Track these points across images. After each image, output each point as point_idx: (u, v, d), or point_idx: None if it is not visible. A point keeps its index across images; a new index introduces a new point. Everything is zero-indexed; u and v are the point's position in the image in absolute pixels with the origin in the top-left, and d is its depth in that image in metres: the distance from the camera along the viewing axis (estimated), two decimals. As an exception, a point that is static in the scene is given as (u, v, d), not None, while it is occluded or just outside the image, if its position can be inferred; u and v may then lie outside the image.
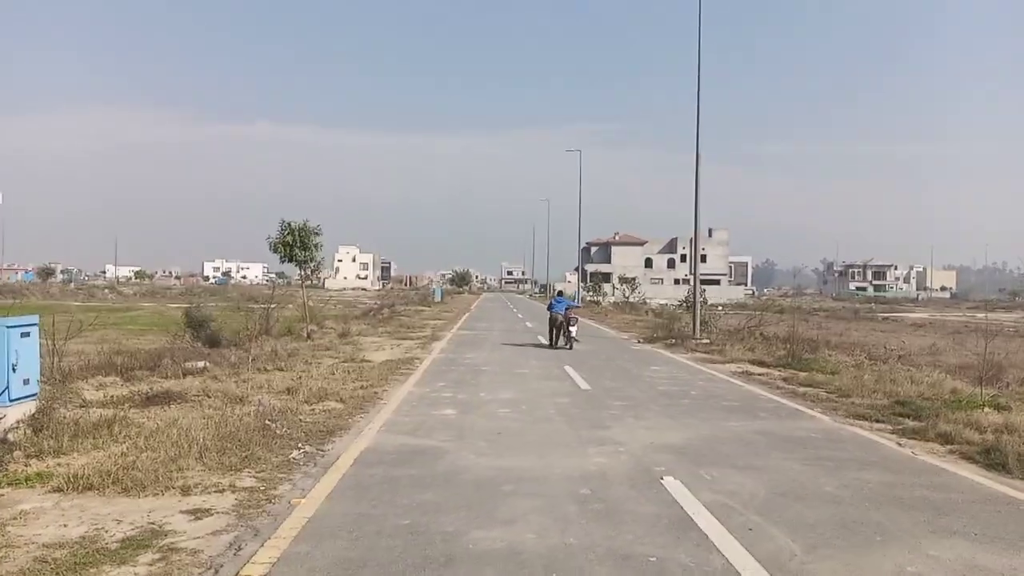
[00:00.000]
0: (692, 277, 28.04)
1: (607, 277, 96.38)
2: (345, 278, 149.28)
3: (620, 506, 6.39)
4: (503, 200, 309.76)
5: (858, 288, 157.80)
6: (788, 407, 12.16)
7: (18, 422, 7.96)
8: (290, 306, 32.78)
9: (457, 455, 8.26)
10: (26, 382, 8.17)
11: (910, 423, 10.71)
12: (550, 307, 22.57)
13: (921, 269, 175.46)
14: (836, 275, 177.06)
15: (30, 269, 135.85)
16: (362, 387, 13.16)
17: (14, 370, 7.90)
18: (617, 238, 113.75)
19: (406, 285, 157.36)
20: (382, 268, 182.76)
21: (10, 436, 7.76)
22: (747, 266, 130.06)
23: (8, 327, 7.92)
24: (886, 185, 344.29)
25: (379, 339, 24.78)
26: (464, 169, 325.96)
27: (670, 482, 7.14)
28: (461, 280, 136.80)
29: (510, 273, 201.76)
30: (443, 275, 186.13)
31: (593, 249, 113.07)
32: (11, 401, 7.87)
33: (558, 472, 7.54)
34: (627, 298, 60.99)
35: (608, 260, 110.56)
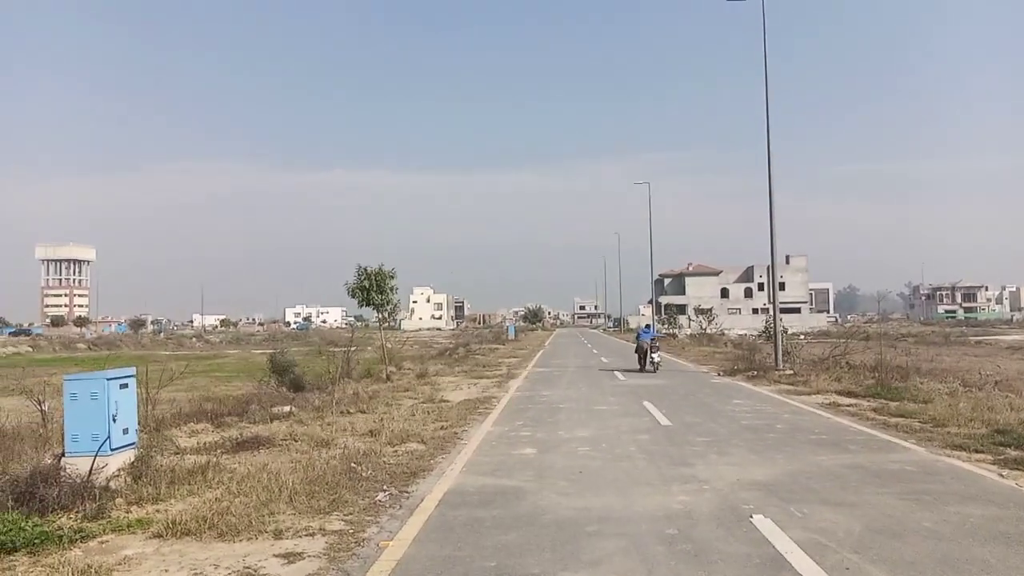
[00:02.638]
0: (772, 306, 27.43)
1: (682, 309, 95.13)
2: (420, 319, 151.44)
3: (709, 546, 6.25)
4: (573, 234, 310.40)
5: (947, 311, 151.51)
6: (880, 439, 11.70)
7: (119, 470, 8.34)
8: (368, 348, 33.53)
9: (539, 495, 8.24)
10: (125, 431, 8.58)
11: (1012, 453, 10.16)
12: (638, 336, 28.15)
13: (1015, 289, 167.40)
14: (923, 298, 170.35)
15: (123, 321, 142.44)
16: (442, 427, 13.29)
17: (114, 420, 8.31)
18: (691, 269, 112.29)
19: (480, 324, 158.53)
20: (456, 308, 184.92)
21: (112, 484, 8.12)
22: (828, 292, 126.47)
23: (108, 380, 8.36)
24: (973, 202, 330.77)
25: (456, 378, 24.99)
26: (533, 205, 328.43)
27: (760, 520, 6.96)
28: (534, 317, 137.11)
29: (582, 308, 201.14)
30: (516, 312, 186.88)
31: (666, 281, 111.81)
32: (112, 450, 8.27)
33: (642, 511, 7.44)
34: (704, 330, 59.98)
35: (682, 291, 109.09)
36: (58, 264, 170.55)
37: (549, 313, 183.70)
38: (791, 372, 22.86)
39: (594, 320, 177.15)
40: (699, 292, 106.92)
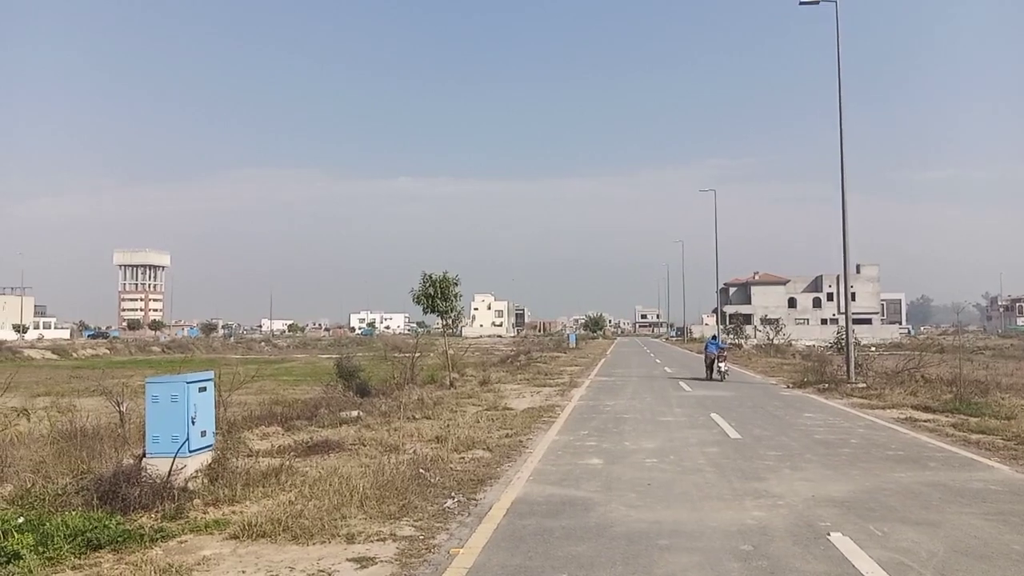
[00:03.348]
0: (844, 316, 26.69)
1: (748, 319, 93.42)
2: (481, 325, 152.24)
3: (786, 563, 6.09)
4: (636, 242, 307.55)
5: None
6: (961, 456, 11.25)
7: (197, 471, 8.59)
8: (431, 354, 33.80)
9: (607, 506, 8.17)
10: (203, 434, 8.83)
11: (1108, 475, 9.65)
12: (706, 347, 29.41)
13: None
14: (1001, 310, 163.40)
15: (194, 325, 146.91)
16: (507, 435, 13.30)
17: (193, 423, 8.56)
18: (757, 277, 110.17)
19: (540, 331, 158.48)
20: (516, 315, 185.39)
21: (190, 485, 8.36)
22: (900, 303, 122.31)
23: (188, 383, 8.62)
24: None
25: (518, 386, 25.01)
26: (595, 212, 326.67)
27: (838, 538, 6.75)
28: (595, 325, 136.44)
29: (644, 317, 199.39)
30: (576, 320, 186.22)
31: (731, 290, 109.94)
32: (191, 452, 8.51)
33: (714, 526, 7.30)
34: (771, 340, 58.65)
35: (748, 301, 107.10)
36: (134, 269, 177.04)
37: (610, 322, 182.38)
38: (864, 385, 22.18)
39: (656, 329, 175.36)
40: (765, 301, 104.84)
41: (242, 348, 75.08)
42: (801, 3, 24.21)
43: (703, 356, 29.73)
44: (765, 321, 68.38)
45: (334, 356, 47.59)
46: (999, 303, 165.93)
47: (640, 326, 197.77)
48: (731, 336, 65.00)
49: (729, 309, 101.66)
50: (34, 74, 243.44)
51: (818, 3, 24.14)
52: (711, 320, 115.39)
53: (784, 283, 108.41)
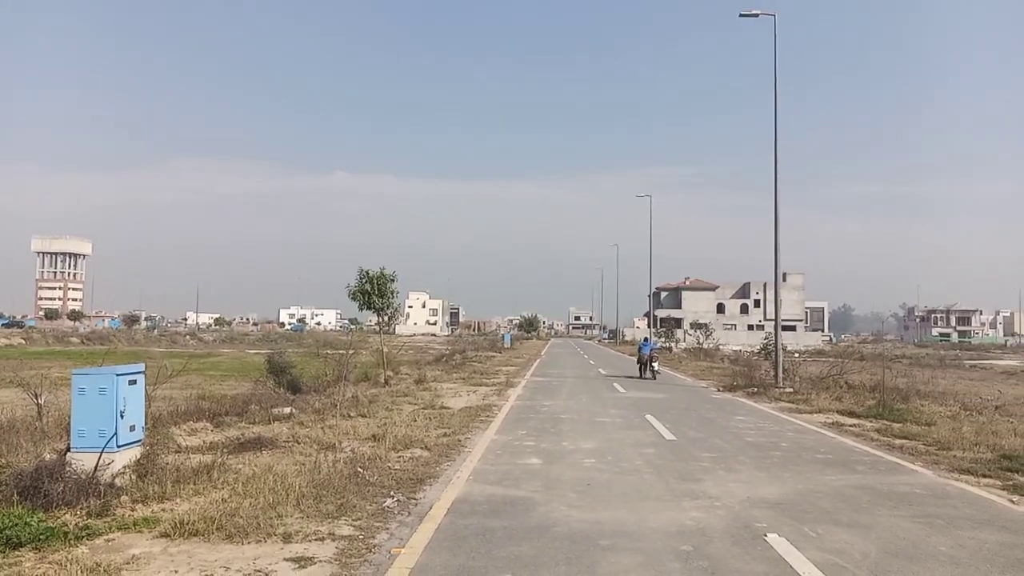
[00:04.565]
0: (772, 323, 27.40)
1: (678, 323, 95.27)
2: (415, 324, 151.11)
3: (725, 564, 6.17)
4: (571, 245, 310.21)
5: (941, 334, 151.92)
6: (886, 460, 11.64)
7: (124, 467, 8.22)
8: (364, 352, 33.35)
9: (548, 507, 8.16)
10: (132, 428, 8.46)
11: (1020, 479, 10.11)
12: (640, 348, 31.48)
13: (1008, 314, 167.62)
14: (918, 320, 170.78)
15: (116, 316, 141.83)
16: (445, 434, 13.20)
17: (122, 416, 8.20)
18: (688, 283, 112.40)
19: (474, 331, 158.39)
20: (451, 314, 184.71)
21: (117, 481, 8.00)
22: (823, 311, 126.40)
23: (117, 375, 8.24)
24: (969, 226, 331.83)
25: (454, 385, 24.89)
26: (532, 215, 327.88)
27: (774, 539, 6.89)
28: (529, 326, 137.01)
29: (577, 319, 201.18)
30: (511, 320, 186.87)
31: (663, 294, 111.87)
32: (119, 447, 8.15)
33: (654, 526, 7.36)
34: (700, 344, 59.97)
35: (679, 305, 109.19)
36: (54, 257, 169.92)
37: (544, 323, 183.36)
38: (791, 390, 22.81)
39: (589, 331, 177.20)
40: (695, 307, 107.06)
41: (166, 341, 72.72)
42: (741, 15, 24.76)
43: (636, 356, 31.84)
44: (695, 325, 69.76)
45: (263, 351, 46.49)
46: (916, 314, 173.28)
47: (574, 327, 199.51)
48: (662, 339, 66.14)
49: (661, 313, 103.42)
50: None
51: (758, 16, 24.71)
52: (643, 323, 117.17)
53: (714, 289, 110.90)
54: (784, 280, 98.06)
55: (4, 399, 14.92)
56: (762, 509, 8.15)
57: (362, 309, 27.37)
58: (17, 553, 6.13)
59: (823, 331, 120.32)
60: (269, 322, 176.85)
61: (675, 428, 14.86)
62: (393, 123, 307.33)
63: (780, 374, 24.43)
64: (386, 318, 29.55)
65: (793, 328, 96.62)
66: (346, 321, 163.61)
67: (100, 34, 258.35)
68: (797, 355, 47.25)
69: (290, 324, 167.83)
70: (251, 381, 21.84)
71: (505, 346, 67.92)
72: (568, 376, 31.42)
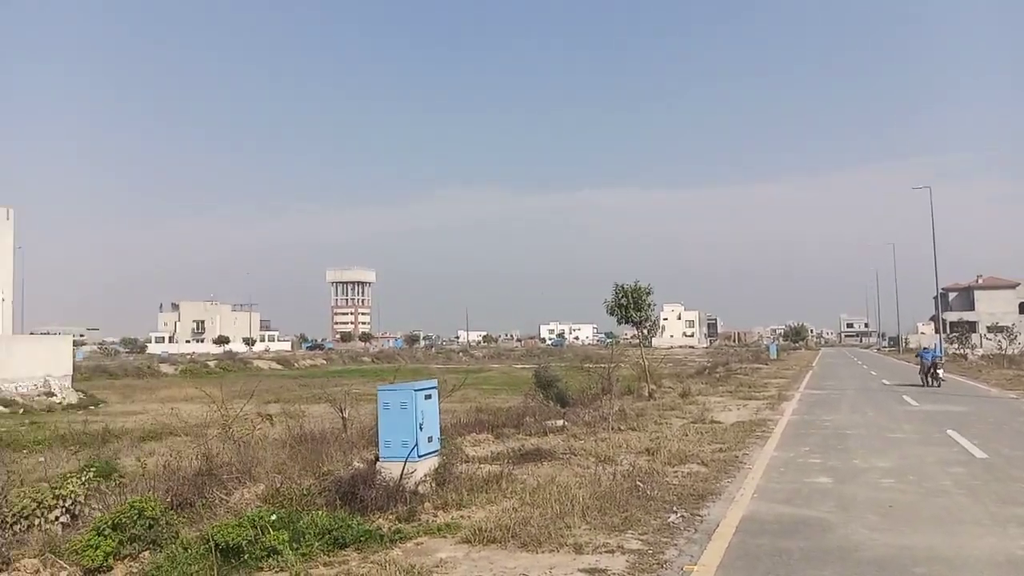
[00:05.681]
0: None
1: (972, 326, 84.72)
2: (672, 336, 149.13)
3: (1081, 605, 5.30)
4: (838, 247, 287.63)
5: None
6: None
7: (425, 476, 8.93)
8: (622, 365, 33.47)
9: (847, 528, 7.56)
10: (430, 440, 9.17)
11: None
12: (920, 356, 30.69)
13: None
14: None
15: (399, 336, 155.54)
16: (720, 450, 12.79)
17: (421, 428, 8.91)
18: (981, 281, 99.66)
19: (735, 342, 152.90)
20: (708, 325, 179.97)
21: (419, 488, 8.70)
22: None
23: (415, 391, 8.99)
24: None
25: (722, 399, 24.11)
26: (790, 216, 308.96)
27: None
28: (795, 335, 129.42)
29: (850, 326, 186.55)
30: (774, 330, 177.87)
31: (951, 295, 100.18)
32: (419, 456, 8.86)
33: (976, 554, 6.53)
34: (1002, 350, 52.71)
35: (971, 307, 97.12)
36: (344, 286, 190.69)
37: (811, 331, 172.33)
38: None
39: (864, 339, 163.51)
40: (991, 307, 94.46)
41: (442, 358, 78.48)
42: None
43: (919, 366, 30.72)
44: (994, 329, 61.51)
45: (528, 366, 48.49)
46: None
47: (846, 335, 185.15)
48: (955, 345, 59.08)
49: (950, 316, 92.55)
50: (258, 117, 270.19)
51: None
52: (928, 328, 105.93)
53: (1014, 287, 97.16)
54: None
55: (315, 413, 16.83)
56: (1119, 542, 6.90)
57: (620, 323, 27.62)
58: (343, 552, 6.85)
59: None
60: (531, 338, 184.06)
61: (985, 445, 13.14)
62: (630, 136, 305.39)
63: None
64: (644, 331, 29.54)
65: None
66: (603, 335, 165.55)
67: (368, 74, 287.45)
68: None
69: (550, 339, 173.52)
70: (521, 394, 22.76)
71: (771, 357, 64.65)
72: (848, 388, 29.15)
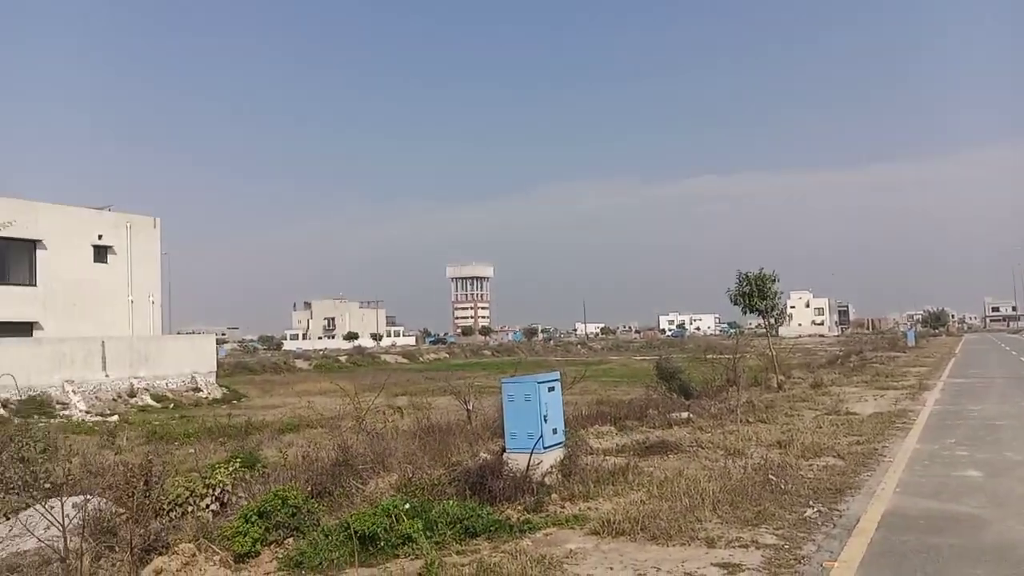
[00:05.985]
0: None
1: None
2: (800, 324, 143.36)
3: None
4: (983, 224, 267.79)
5: None
6: None
7: (551, 467, 8.99)
8: (748, 355, 32.48)
9: (1003, 525, 7.08)
10: (554, 432, 9.23)
11: None
12: None
13: None
14: None
15: (517, 329, 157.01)
16: (857, 442, 12.22)
17: (545, 420, 8.97)
18: None
19: (868, 329, 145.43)
20: (839, 312, 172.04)
21: (546, 480, 8.77)
22: None
23: (539, 383, 9.07)
24: None
25: (856, 389, 23.00)
26: (928, 196, 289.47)
27: None
28: (935, 321, 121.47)
29: (996, 310, 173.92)
30: (911, 316, 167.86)
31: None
32: (545, 448, 8.93)
33: None
34: None
35: None
36: (464, 281, 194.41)
37: (953, 316, 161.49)
38: None
39: (1012, 323, 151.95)
40: None
41: (561, 351, 78.71)
42: None
43: None
44: None
45: (648, 357, 47.91)
46: None
47: (991, 320, 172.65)
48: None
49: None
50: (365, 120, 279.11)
51: None
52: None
53: None
54: None
55: (440, 405, 17.25)
56: None
57: (745, 312, 26.85)
58: (475, 541, 7.00)
59: None
60: (650, 329, 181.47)
61: None
62: (758, 113, 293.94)
63: None
64: (771, 320, 28.55)
65: None
66: (725, 325, 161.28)
67: (493, 69, 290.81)
68: None
69: (670, 330, 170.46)
70: (642, 386, 22.51)
71: (909, 345, 61.04)
72: (996, 376, 27.18)
